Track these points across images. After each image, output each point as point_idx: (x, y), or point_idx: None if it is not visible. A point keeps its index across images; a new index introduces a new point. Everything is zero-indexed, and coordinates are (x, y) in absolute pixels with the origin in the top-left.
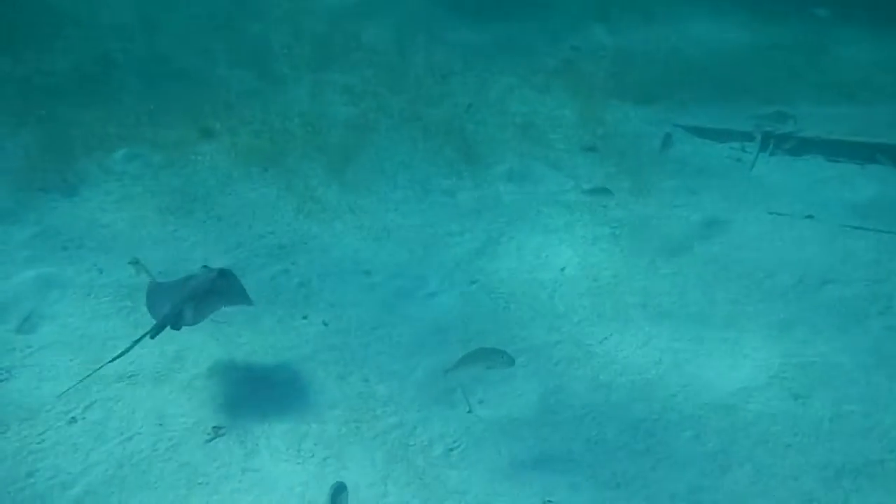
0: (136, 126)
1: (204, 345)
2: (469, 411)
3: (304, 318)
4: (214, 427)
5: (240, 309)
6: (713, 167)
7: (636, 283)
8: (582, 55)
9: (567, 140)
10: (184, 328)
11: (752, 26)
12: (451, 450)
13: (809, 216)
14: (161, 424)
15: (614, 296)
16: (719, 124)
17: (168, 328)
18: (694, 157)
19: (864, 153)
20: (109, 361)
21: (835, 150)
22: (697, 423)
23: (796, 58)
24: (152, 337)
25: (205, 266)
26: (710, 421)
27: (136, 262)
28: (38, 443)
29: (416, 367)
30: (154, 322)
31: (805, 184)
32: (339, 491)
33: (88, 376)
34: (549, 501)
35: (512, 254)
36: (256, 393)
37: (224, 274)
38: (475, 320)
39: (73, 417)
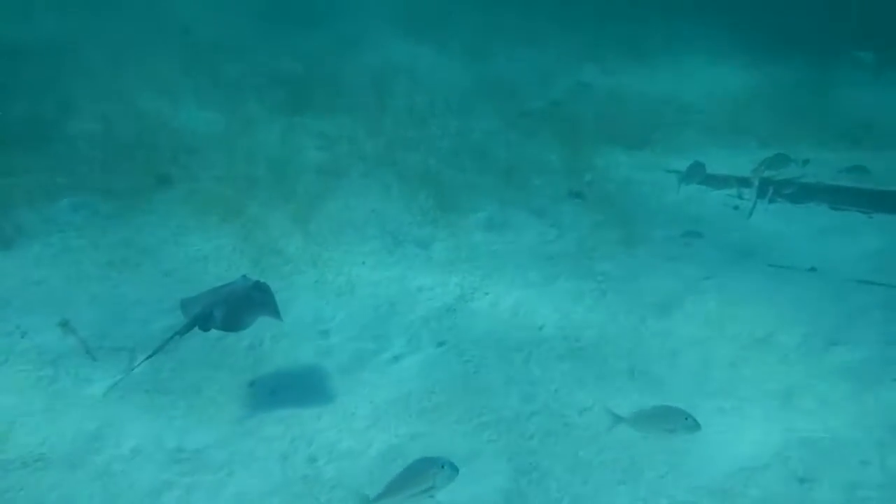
0: (88, 174)
1: (130, 419)
2: (430, 496)
3: (251, 385)
4: None
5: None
6: (708, 215)
7: (623, 345)
8: (574, 97)
9: (552, 186)
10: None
11: (752, 67)
12: None
13: (812, 269)
14: None
15: (598, 359)
16: (715, 169)
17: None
18: (688, 205)
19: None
20: (135, 367)
21: (839, 197)
22: None
23: (798, 100)
24: (181, 335)
25: (244, 276)
26: None
27: (64, 324)
28: None
29: (372, 442)
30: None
31: (807, 234)
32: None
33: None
34: None
35: (486, 311)
36: (183, 479)
37: (260, 286)
38: (440, 387)
39: None
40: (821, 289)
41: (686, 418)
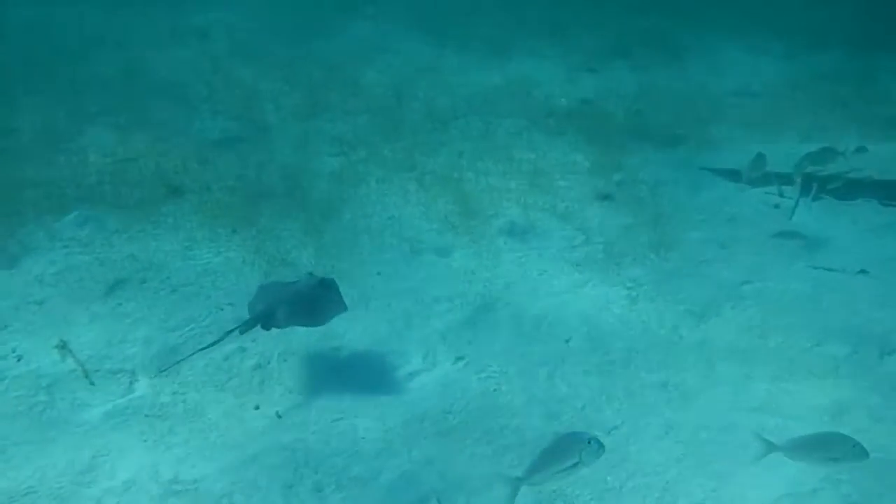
0: (97, 185)
1: (126, 447)
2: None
3: (256, 408)
4: None
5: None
6: (747, 215)
7: (655, 357)
8: (602, 94)
9: (579, 188)
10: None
11: (791, 57)
12: None
13: (863, 271)
14: None
15: (628, 373)
16: None
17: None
18: (724, 205)
19: None
20: (191, 354)
21: (890, 192)
22: None
23: (841, 89)
24: (241, 332)
25: (310, 273)
26: None
27: (62, 346)
28: None
29: (382, 469)
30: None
31: (855, 233)
32: None
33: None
34: None
35: (508, 323)
36: None
37: (325, 284)
38: (458, 407)
39: None
40: (873, 293)
41: (854, 445)
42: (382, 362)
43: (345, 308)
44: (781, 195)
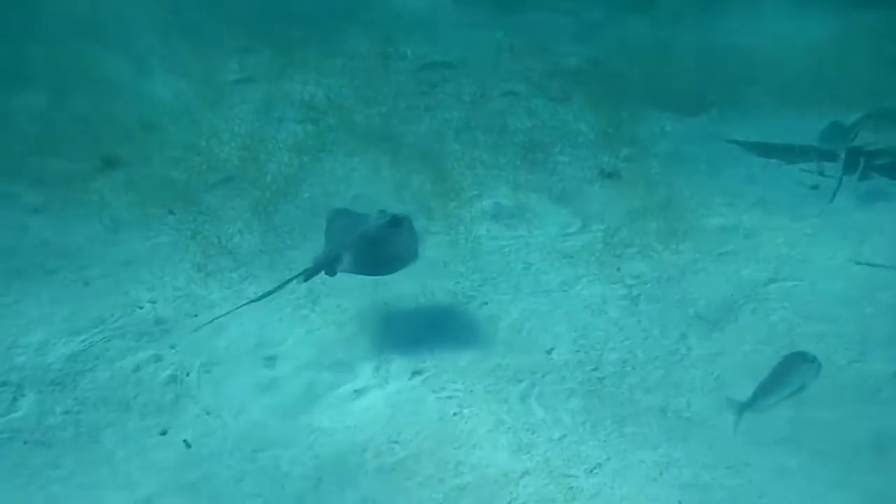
0: (22, 156)
1: None
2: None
3: (163, 433)
4: None
5: None
6: (778, 198)
7: (655, 374)
8: (618, 53)
9: (580, 164)
10: None
11: (837, 12)
12: None
13: None
14: None
15: (620, 394)
16: (789, 139)
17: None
18: (752, 185)
19: None
20: (247, 302)
21: None
22: None
23: (894, 48)
24: (304, 280)
25: (381, 210)
26: None
27: None
28: None
29: None
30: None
31: None
32: None
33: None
34: None
35: (480, 328)
36: None
37: (397, 222)
38: (408, 435)
39: None
40: None
41: None
42: (323, 377)
43: (416, 257)
44: (821, 174)
